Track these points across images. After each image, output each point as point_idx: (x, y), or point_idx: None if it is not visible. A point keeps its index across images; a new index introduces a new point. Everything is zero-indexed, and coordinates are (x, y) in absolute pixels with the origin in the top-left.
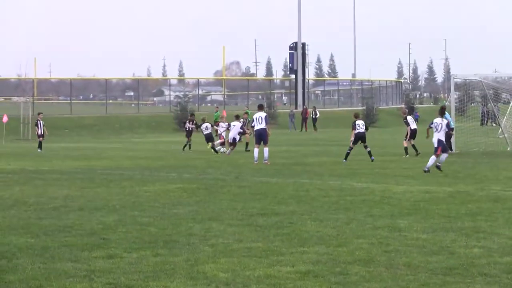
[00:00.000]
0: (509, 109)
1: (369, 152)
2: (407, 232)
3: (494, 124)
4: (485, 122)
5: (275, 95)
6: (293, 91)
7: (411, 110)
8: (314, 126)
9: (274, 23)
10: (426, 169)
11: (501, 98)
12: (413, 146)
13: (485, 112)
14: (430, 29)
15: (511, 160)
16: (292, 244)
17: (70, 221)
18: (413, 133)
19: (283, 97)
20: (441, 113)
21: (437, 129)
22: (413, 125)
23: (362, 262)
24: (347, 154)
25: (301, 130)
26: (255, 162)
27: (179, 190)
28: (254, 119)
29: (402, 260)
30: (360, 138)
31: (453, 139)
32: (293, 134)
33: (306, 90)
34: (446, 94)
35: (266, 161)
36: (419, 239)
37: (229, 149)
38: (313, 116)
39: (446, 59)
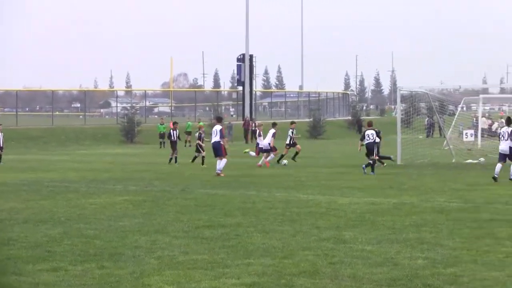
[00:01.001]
0: (454, 121)
1: (372, 166)
2: (352, 244)
3: (439, 136)
4: (431, 133)
5: (223, 107)
6: (241, 102)
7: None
8: (253, 137)
9: (222, 34)
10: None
11: (446, 110)
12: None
13: (431, 124)
14: (377, 41)
15: (456, 172)
16: (237, 256)
17: (14, 234)
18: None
19: (231, 109)
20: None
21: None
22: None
23: (307, 274)
24: (369, 165)
25: (246, 142)
26: (218, 172)
27: (125, 202)
28: (212, 132)
29: (347, 271)
30: (369, 149)
31: (399, 151)
32: (236, 146)
33: (253, 102)
34: (392, 106)
35: (218, 171)
36: (364, 251)
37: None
38: (253, 128)
39: (393, 71)
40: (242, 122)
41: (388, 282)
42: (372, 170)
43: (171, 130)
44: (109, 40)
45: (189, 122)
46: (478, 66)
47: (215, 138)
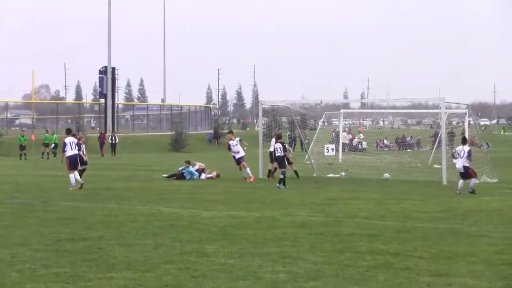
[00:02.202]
0: (315, 135)
1: (283, 180)
2: (215, 257)
3: (301, 150)
4: (293, 147)
5: (85, 119)
6: (103, 115)
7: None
8: (113, 151)
9: (85, 46)
10: None
11: (308, 124)
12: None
13: (292, 138)
14: (240, 55)
15: (317, 186)
16: (99, 270)
17: None
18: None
19: (92, 121)
20: None
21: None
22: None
23: (170, 287)
24: (281, 180)
25: (102, 155)
26: (73, 188)
27: None
28: (67, 144)
29: (209, 285)
30: (278, 161)
31: (260, 165)
32: (100, 158)
33: (115, 115)
34: (254, 120)
35: (81, 182)
36: (227, 264)
37: None
38: (113, 142)
39: (255, 85)
40: (98, 135)
41: None
42: (284, 184)
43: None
44: None
45: (46, 134)
46: (340, 80)
47: (75, 150)
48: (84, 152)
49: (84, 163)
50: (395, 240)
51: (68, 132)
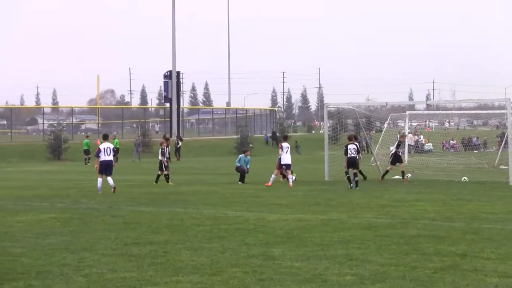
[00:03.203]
0: (381, 138)
1: (356, 182)
2: (281, 260)
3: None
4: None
5: (150, 124)
6: (168, 119)
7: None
8: (177, 155)
9: (149, 51)
10: None
11: (373, 126)
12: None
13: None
14: (304, 58)
15: (383, 188)
16: (166, 274)
17: None
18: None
19: (156, 125)
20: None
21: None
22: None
23: None
24: (348, 178)
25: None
26: (99, 192)
27: (52, 220)
28: (101, 150)
29: None
30: (351, 163)
31: (326, 167)
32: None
33: (180, 119)
34: (320, 122)
35: (113, 186)
36: (293, 267)
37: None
38: (176, 146)
39: (320, 87)
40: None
41: None
42: (357, 185)
43: (163, 148)
44: (35, 56)
45: (86, 140)
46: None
47: (109, 156)
48: (168, 156)
49: (166, 168)
50: (462, 242)
51: (105, 138)
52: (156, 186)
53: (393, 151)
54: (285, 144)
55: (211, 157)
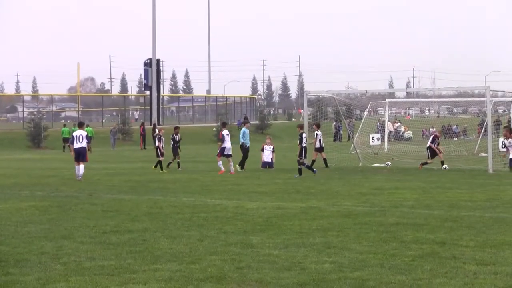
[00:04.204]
0: (361, 125)
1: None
2: (260, 248)
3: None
4: (338, 138)
5: (130, 112)
6: (148, 107)
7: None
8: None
9: (129, 39)
10: None
11: (353, 114)
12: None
13: (338, 128)
14: (284, 46)
15: (362, 176)
16: (145, 262)
17: None
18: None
19: (135, 113)
20: None
21: None
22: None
23: (215, 279)
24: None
25: (142, 148)
26: (78, 178)
27: (32, 208)
28: (74, 137)
29: (254, 276)
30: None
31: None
32: (143, 151)
33: (160, 107)
34: (300, 110)
35: (80, 178)
36: (271, 255)
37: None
38: (153, 134)
39: (300, 75)
40: (140, 127)
41: (295, 286)
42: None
43: (173, 135)
44: (15, 44)
45: (64, 128)
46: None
47: (82, 143)
48: (163, 145)
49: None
50: (441, 229)
51: (80, 125)
52: (131, 174)
53: (428, 146)
54: (225, 132)
55: (191, 145)
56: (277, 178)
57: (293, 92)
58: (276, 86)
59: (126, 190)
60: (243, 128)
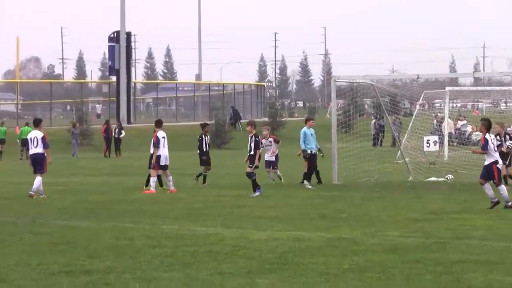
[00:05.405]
0: (410, 124)
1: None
2: None
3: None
4: (379, 142)
5: (90, 105)
6: (114, 99)
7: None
8: (117, 150)
9: (89, 5)
10: None
11: (401, 108)
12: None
13: (379, 128)
14: (304, 13)
15: (413, 195)
16: None
17: None
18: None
19: (97, 107)
20: None
21: None
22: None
23: None
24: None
25: (107, 156)
26: (31, 193)
27: None
28: (29, 140)
29: None
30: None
31: (334, 166)
32: (105, 160)
33: (132, 98)
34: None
35: (33, 193)
36: None
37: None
38: (116, 136)
39: (326, 54)
40: (103, 126)
41: None
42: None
43: (202, 135)
44: None
45: (24, 128)
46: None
47: (36, 149)
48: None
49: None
50: None
51: (36, 124)
52: (88, 192)
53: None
54: (160, 134)
55: (174, 151)
56: (294, 197)
57: (317, 78)
58: (293, 69)
59: (83, 214)
60: (304, 128)
